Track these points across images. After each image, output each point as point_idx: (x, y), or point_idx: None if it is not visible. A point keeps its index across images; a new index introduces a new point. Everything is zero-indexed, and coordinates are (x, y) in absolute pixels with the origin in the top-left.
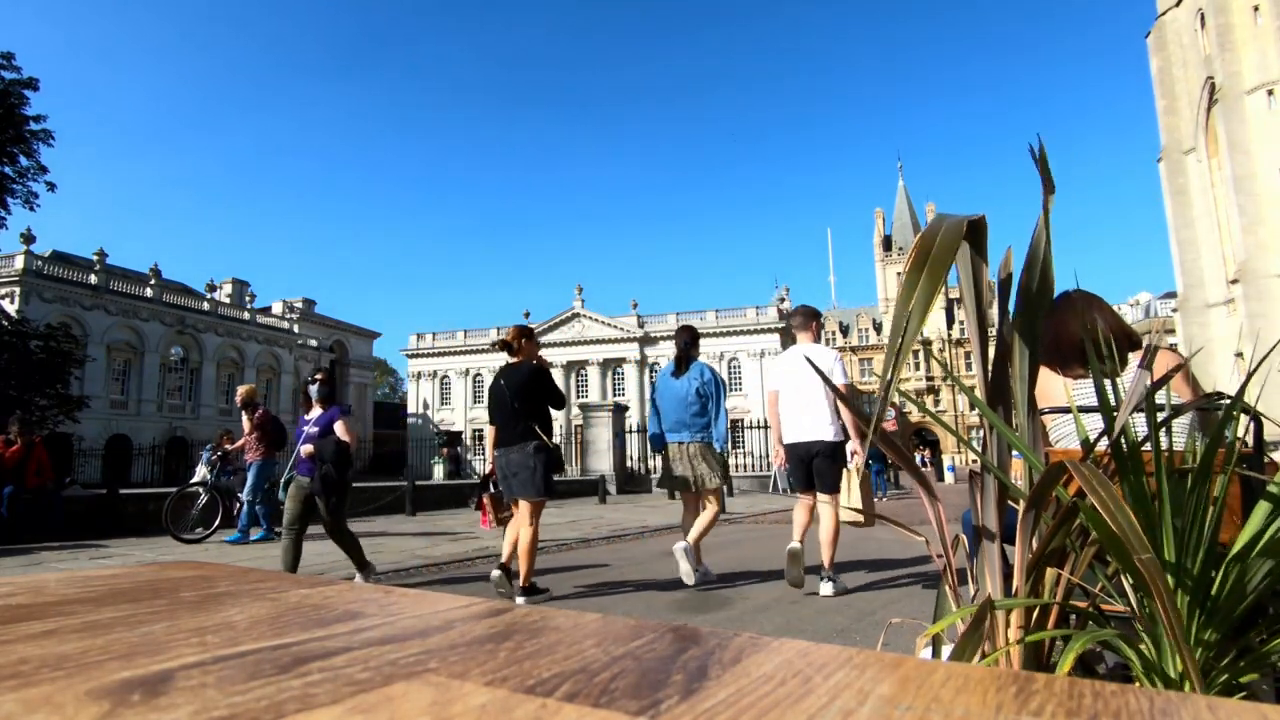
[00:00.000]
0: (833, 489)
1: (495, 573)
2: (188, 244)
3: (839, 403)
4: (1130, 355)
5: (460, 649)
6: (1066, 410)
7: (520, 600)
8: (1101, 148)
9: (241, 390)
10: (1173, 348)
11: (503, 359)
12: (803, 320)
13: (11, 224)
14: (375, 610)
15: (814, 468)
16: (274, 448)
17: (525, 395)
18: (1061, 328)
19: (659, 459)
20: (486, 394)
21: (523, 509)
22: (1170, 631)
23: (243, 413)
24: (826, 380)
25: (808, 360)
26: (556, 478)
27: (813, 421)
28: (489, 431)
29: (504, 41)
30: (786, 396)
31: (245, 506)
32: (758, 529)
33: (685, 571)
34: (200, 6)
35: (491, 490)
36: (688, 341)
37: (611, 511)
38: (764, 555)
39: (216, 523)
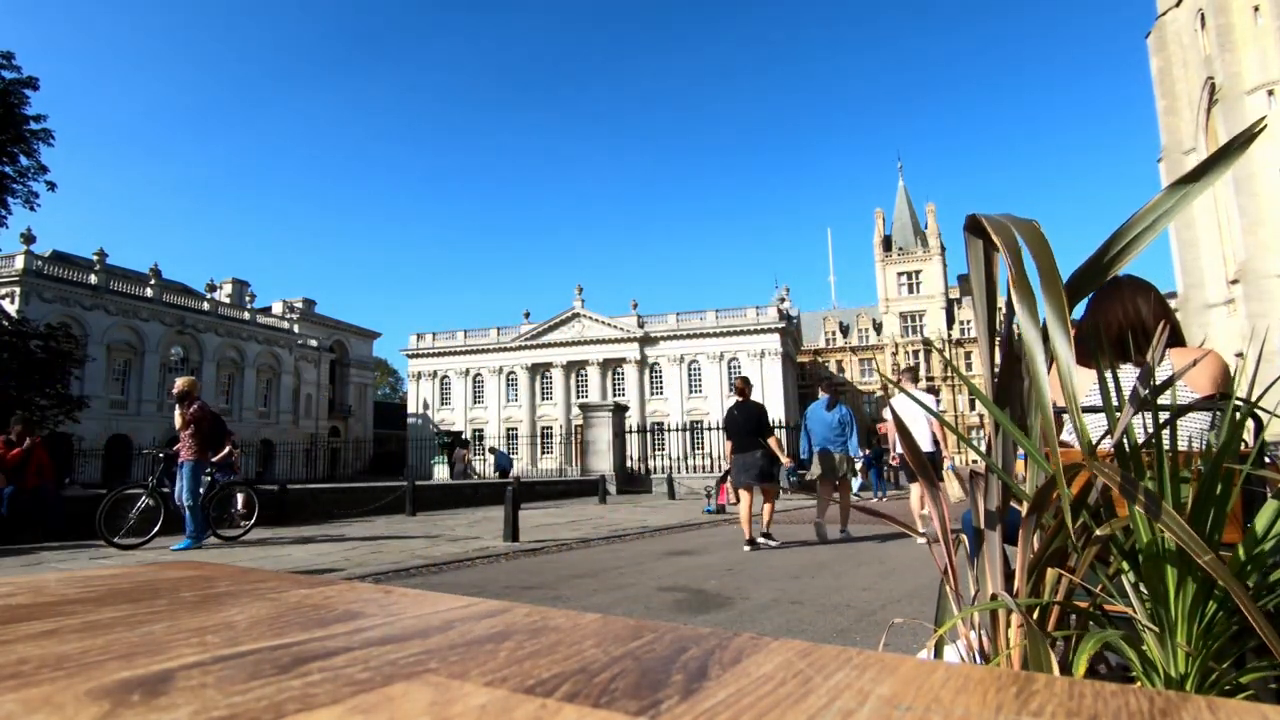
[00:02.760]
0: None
1: (746, 547)
2: (188, 244)
3: (933, 428)
4: (1169, 351)
5: (460, 649)
6: (1086, 410)
7: (760, 540)
8: (1101, 148)
9: (180, 383)
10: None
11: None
12: (909, 375)
13: (12, 224)
14: (375, 610)
15: None
16: (209, 447)
17: (754, 422)
18: (1104, 316)
19: (814, 463)
20: (724, 420)
21: (761, 492)
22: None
23: (175, 408)
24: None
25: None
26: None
27: (921, 438)
28: (727, 444)
29: (504, 41)
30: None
31: (187, 512)
32: None
33: (828, 534)
34: (200, 6)
35: (728, 479)
36: (835, 389)
37: (611, 512)
38: (765, 554)
39: (156, 529)
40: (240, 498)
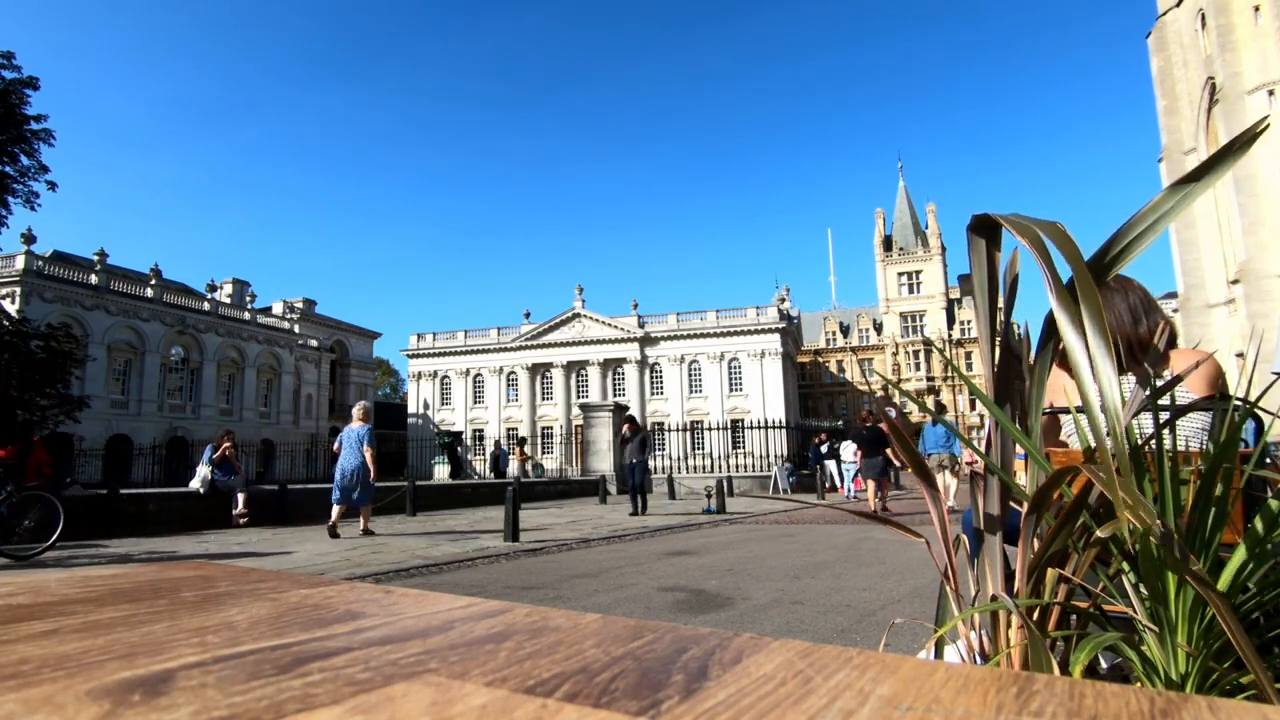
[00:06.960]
0: None
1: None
2: (188, 244)
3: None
4: (1169, 353)
5: (460, 649)
6: (1076, 410)
7: (882, 512)
8: (1102, 148)
9: None
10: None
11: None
12: None
13: (12, 224)
14: (375, 610)
15: None
16: None
17: (880, 437)
18: None
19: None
20: (853, 435)
21: (872, 482)
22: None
23: None
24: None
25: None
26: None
27: None
28: (859, 450)
29: (504, 41)
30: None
31: None
32: (759, 529)
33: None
34: (200, 7)
35: (858, 475)
36: (939, 410)
37: (611, 512)
38: (765, 554)
39: None
40: (37, 509)
